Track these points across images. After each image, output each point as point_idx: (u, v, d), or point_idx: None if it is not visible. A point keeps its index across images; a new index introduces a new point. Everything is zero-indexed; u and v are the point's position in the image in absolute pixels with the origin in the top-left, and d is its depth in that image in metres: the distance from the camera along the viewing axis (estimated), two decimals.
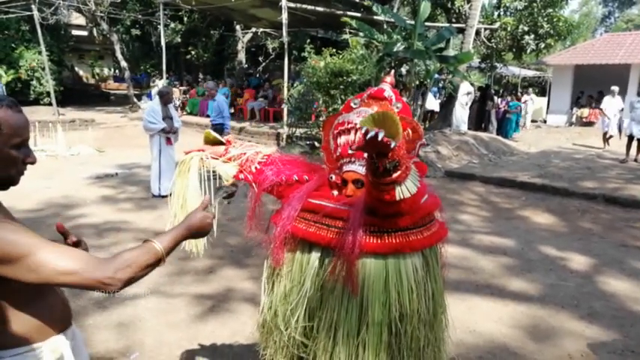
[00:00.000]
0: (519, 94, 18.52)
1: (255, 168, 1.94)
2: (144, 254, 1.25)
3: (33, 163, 1.33)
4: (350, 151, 1.73)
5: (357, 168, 1.72)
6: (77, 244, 1.44)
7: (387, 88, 1.85)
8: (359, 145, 1.28)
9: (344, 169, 1.77)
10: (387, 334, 1.65)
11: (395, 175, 1.37)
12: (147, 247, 1.27)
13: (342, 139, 1.78)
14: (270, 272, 1.90)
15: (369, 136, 1.20)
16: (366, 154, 1.42)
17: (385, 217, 1.59)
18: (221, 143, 2.05)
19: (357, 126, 1.69)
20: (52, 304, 1.36)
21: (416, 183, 1.44)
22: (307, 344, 1.77)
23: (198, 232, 1.43)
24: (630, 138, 9.66)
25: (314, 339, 1.75)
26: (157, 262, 1.28)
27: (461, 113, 12.94)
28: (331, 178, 1.84)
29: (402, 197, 1.42)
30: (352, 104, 1.85)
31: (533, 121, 18.41)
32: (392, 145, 1.23)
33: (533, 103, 18.11)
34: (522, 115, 17.13)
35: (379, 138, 1.19)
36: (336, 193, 1.81)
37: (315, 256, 1.74)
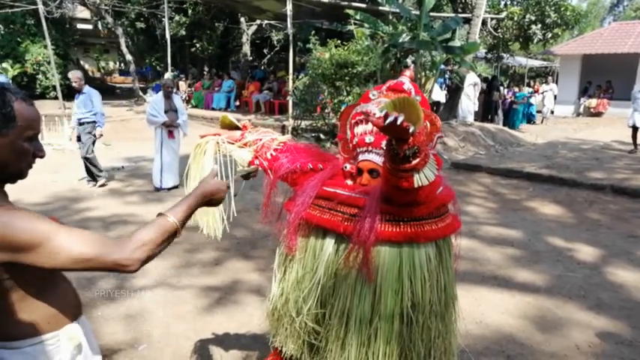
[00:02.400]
0: (537, 84, 17.68)
1: (271, 155, 1.96)
2: (158, 230, 1.27)
3: (42, 156, 1.34)
4: (367, 140, 1.73)
5: (373, 157, 1.72)
6: None
7: (406, 81, 1.86)
8: (377, 126, 1.27)
9: (360, 158, 1.77)
10: (398, 323, 1.66)
11: (414, 162, 1.36)
12: (160, 222, 1.29)
13: (359, 129, 1.78)
14: (282, 259, 1.91)
15: (388, 121, 1.20)
16: (384, 144, 1.42)
17: (401, 206, 1.59)
18: (237, 128, 2.05)
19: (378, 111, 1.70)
20: (64, 292, 1.38)
21: (434, 171, 1.43)
22: (319, 331, 1.77)
23: (212, 198, 1.43)
24: (635, 129, 9.51)
25: (325, 326, 1.75)
26: (173, 235, 1.30)
27: (467, 104, 12.85)
28: (345, 167, 1.85)
29: (420, 185, 1.41)
30: (371, 95, 1.85)
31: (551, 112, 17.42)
32: (411, 130, 1.23)
33: (554, 94, 17.01)
34: (540, 107, 16.30)
35: (398, 122, 1.19)
36: (350, 182, 1.82)
37: (328, 242, 1.74)
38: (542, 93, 16.31)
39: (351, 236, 1.64)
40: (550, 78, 19.50)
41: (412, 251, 1.64)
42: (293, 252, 1.82)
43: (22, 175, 1.32)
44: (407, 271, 1.64)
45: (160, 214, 1.31)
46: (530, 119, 16.04)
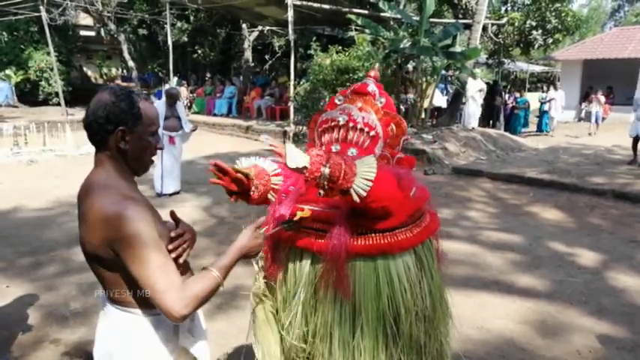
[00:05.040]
0: (551, 90, 15.70)
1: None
2: (209, 285, 1.32)
3: (162, 148, 1.51)
4: (334, 150, 1.71)
5: None
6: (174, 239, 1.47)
7: (370, 82, 1.84)
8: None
9: None
10: (382, 336, 1.61)
11: (334, 185, 1.39)
12: (209, 277, 1.33)
13: (326, 137, 1.77)
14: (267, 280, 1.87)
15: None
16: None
17: (372, 219, 1.56)
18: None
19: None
20: (179, 268, 1.41)
21: (369, 176, 1.41)
22: (306, 349, 1.74)
23: (249, 252, 1.48)
24: (636, 139, 8.85)
25: (311, 344, 1.71)
26: (217, 288, 1.35)
27: (473, 109, 12.78)
28: None
29: (363, 195, 1.41)
30: (336, 101, 1.85)
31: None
32: (299, 167, 1.32)
33: (563, 101, 15.29)
34: (549, 115, 14.88)
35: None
36: (322, 192, 1.80)
37: (305, 262, 1.69)
38: (549, 101, 14.83)
39: (324, 254, 1.58)
40: (558, 84, 18.64)
41: (388, 263, 1.59)
42: (273, 278, 1.77)
43: (147, 167, 1.47)
44: (385, 284, 1.58)
45: (205, 268, 1.36)
46: (540, 128, 14.90)
